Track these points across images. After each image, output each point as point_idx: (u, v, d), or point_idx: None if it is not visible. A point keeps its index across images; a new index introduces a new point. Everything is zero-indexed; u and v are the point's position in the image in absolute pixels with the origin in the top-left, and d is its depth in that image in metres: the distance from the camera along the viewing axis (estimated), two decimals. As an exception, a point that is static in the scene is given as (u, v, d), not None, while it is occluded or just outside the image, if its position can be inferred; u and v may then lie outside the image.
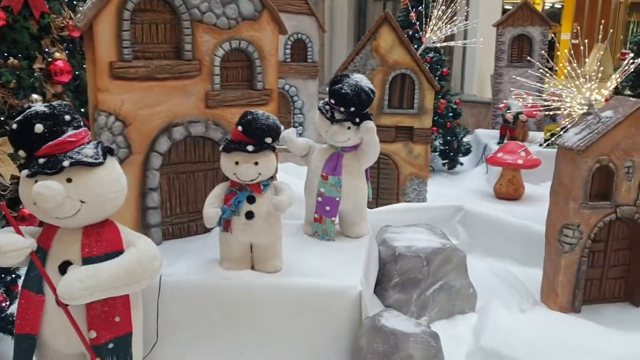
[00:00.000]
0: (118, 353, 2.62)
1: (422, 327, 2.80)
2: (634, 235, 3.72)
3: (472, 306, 3.69)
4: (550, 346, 3.08)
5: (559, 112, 3.70)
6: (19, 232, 2.50)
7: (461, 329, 3.43)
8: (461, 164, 7.14)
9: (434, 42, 6.07)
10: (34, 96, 3.33)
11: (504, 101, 7.06)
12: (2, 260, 2.44)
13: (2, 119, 3.21)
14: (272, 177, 3.02)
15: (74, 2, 3.86)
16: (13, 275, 3.11)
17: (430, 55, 6.73)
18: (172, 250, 3.26)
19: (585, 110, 3.51)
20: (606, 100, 3.83)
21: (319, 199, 3.48)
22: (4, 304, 2.99)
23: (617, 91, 5.04)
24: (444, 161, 7.07)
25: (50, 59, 3.51)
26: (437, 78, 6.41)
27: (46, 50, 3.51)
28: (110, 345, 2.58)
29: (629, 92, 6.04)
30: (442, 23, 6.00)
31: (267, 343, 2.96)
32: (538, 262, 3.97)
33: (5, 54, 3.26)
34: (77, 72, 3.77)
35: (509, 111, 6.65)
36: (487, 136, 7.34)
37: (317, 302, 2.95)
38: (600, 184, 3.57)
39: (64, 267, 2.51)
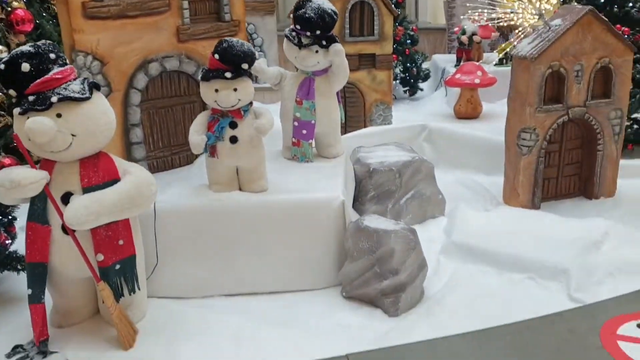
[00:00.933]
0: (125, 273, 2.83)
1: (401, 225, 3.08)
2: (585, 134, 4.06)
3: (442, 211, 4.01)
4: (514, 235, 3.43)
5: (512, 24, 3.92)
6: (33, 166, 2.64)
7: (433, 231, 3.76)
8: (421, 89, 7.37)
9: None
10: (-1, 47, 3.36)
11: (459, 24, 7.26)
12: (23, 194, 2.59)
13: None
14: (251, 103, 3.19)
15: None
16: (9, 217, 3.23)
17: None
18: (160, 181, 3.40)
19: (536, 20, 3.74)
20: (555, 10, 4.08)
21: (295, 123, 3.67)
22: (7, 242, 3.13)
23: (564, 0, 5.29)
24: (405, 88, 7.30)
25: (9, 9, 3.51)
26: (393, 5, 6.53)
27: (3, 0, 3.51)
28: (117, 267, 2.79)
29: (575, 2, 6.30)
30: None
31: (260, 256, 3.20)
32: (499, 170, 4.28)
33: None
34: (37, 21, 3.78)
35: (463, 34, 6.86)
36: (445, 60, 7.57)
37: (304, 214, 3.19)
38: (553, 89, 3.86)
39: (66, 198, 2.67)
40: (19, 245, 3.16)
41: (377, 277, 2.99)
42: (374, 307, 3.04)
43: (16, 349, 2.76)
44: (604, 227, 3.43)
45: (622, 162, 4.12)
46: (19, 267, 3.15)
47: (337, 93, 3.77)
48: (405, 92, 7.35)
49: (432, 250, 3.48)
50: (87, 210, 2.58)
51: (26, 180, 2.55)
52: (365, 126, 5.44)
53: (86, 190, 2.66)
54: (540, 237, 3.38)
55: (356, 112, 5.50)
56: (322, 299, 3.18)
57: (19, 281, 3.21)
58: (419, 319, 2.88)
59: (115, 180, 2.74)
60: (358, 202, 3.92)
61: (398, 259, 2.96)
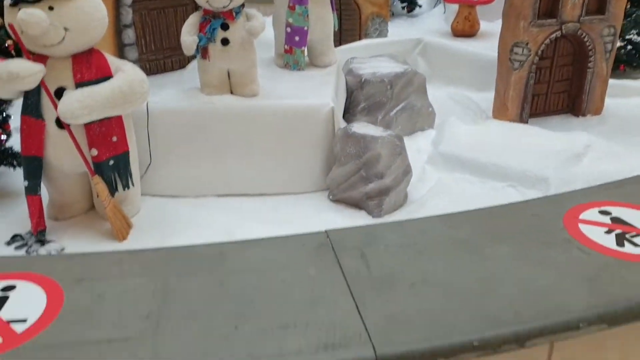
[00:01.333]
0: (119, 169, 2.92)
1: (389, 132, 3.15)
2: (577, 51, 4.06)
3: (431, 124, 4.07)
4: (501, 147, 3.51)
5: None
6: (29, 58, 2.65)
7: (422, 142, 3.83)
8: (420, 6, 7.22)
9: None
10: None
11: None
12: (20, 86, 2.62)
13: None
14: (243, 5, 3.16)
15: None
16: (4, 114, 3.27)
17: None
18: (153, 84, 3.40)
19: None
20: None
21: (288, 29, 3.65)
22: (2, 138, 3.19)
23: None
24: (403, 4, 7.15)
25: None
26: None
27: None
28: (111, 162, 2.87)
29: None
30: None
31: (251, 159, 3.28)
32: (491, 87, 4.28)
33: None
34: None
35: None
36: (445, -23, 7.38)
37: (294, 120, 3.24)
38: (547, 3, 3.82)
39: (59, 93, 2.71)
40: (14, 142, 3.23)
41: (363, 180, 3.08)
42: (359, 209, 3.16)
43: (15, 237, 2.88)
44: (587, 141, 3.51)
45: (612, 81, 4.14)
46: (14, 163, 3.21)
47: (331, 0, 3.73)
48: (403, 8, 7.21)
49: (418, 160, 3.56)
50: (80, 104, 2.62)
51: (25, 72, 2.57)
52: (360, 40, 5.39)
53: (79, 85, 2.69)
54: (524, 149, 3.47)
55: (351, 25, 5.42)
56: (310, 201, 3.29)
57: (15, 177, 3.29)
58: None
59: (107, 77, 2.76)
60: (349, 113, 3.96)
61: (384, 164, 3.04)
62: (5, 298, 1.50)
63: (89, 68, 2.73)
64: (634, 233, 1.84)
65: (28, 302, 1.49)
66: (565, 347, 1.55)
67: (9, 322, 1.42)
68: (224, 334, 1.40)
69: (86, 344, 1.36)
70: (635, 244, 1.78)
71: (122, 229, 2.90)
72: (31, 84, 2.63)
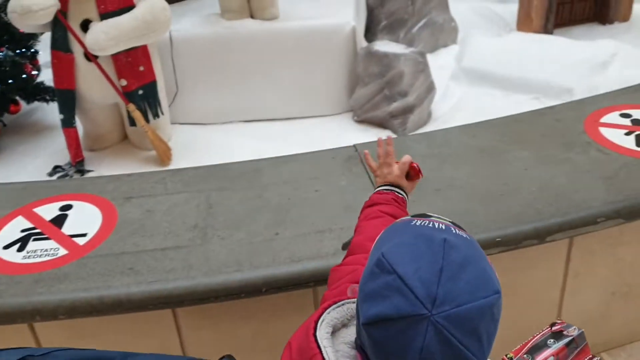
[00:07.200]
0: (148, 98, 3.01)
1: (411, 49, 3.16)
2: (604, -45, 3.93)
3: (454, 39, 4.04)
4: (525, 59, 3.49)
5: None
6: None
7: (445, 58, 3.82)
8: None
9: None
10: None
11: None
12: (33, 20, 2.67)
13: None
14: None
15: None
16: (32, 50, 3.34)
17: None
18: (174, 12, 3.40)
19: None
20: None
21: (304, -52, 3.58)
22: (33, 73, 3.28)
23: None
24: None
25: None
26: None
27: None
28: (140, 92, 2.96)
29: None
30: None
31: (275, 83, 3.33)
32: (515, -1, 4.20)
33: None
34: None
35: None
36: None
37: (315, 41, 3.26)
38: None
39: (85, 25, 2.77)
40: (44, 77, 3.32)
41: (386, 99, 3.13)
42: (383, 129, 3.22)
43: (56, 168, 3.03)
44: (613, 48, 3.46)
45: (641, -15, 4.03)
46: (47, 97, 3.32)
47: None
48: None
49: (441, 76, 3.56)
50: (106, 35, 2.69)
51: (36, 6, 2.62)
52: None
53: (103, 16, 2.75)
54: (549, 60, 3.44)
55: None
56: (335, 123, 3.36)
57: (49, 111, 3.41)
58: (426, 137, 3.07)
59: (130, 6, 2.80)
60: (370, 32, 3.94)
61: (407, 81, 3.08)
62: (65, 216, 1.64)
63: (112, -2, 2.77)
64: (654, 134, 1.88)
65: (85, 218, 1.62)
66: (583, 242, 1.64)
67: (71, 236, 1.56)
68: (266, 239, 1.52)
69: (142, 252, 1.50)
70: (654, 144, 1.83)
71: (166, 151, 3.02)
72: (45, 18, 2.68)
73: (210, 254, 1.48)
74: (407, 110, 3.13)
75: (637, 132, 1.89)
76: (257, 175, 1.78)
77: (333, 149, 1.95)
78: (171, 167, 3.00)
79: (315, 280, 1.44)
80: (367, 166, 1.33)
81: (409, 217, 0.79)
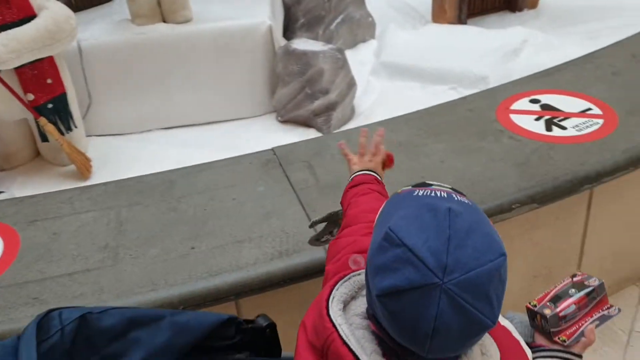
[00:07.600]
0: (59, 112, 2.85)
1: (329, 45, 3.14)
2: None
3: (372, 34, 4.07)
4: (441, 50, 3.56)
5: None
6: None
7: (364, 54, 3.84)
8: None
9: None
10: None
11: None
12: None
13: None
14: None
15: None
16: None
17: None
18: (81, 20, 3.27)
19: None
20: None
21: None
22: None
23: None
24: None
25: None
26: None
27: None
28: (50, 106, 2.80)
29: None
30: None
31: (194, 87, 3.24)
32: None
33: None
34: None
35: None
36: None
37: (231, 42, 3.19)
38: None
39: (-19, 38, 2.59)
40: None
41: (308, 98, 3.11)
42: (308, 128, 3.20)
43: (-37, 192, 2.83)
44: (524, 35, 3.58)
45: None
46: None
47: None
48: None
49: (362, 72, 3.58)
50: (5, 48, 2.51)
51: None
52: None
53: (2, 28, 2.57)
54: (463, 50, 3.52)
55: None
56: (259, 125, 3.31)
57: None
58: (350, 133, 3.07)
59: (32, 16, 2.64)
60: (289, 31, 3.91)
61: (327, 79, 3.06)
62: (-39, 246, 1.52)
63: (9, 9, 2.60)
64: (561, 117, 1.95)
65: (-16, 247, 1.51)
66: (501, 228, 1.67)
67: (-32, 268, 1.45)
68: (182, 254, 1.46)
69: (48, 279, 1.40)
70: (562, 127, 1.89)
71: (85, 164, 2.88)
72: None
73: (123, 275, 1.40)
74: (330, 108, 3.12)
75: (547, 117, 1.95)
76: (171, 187, 1.71)
77: (250, 153, 1.91)
78: (90, 181, 2.87)
79: (236, 292, 1.40)
80: (344, 155, 1.34)
81: (409, 187, 0.81)
